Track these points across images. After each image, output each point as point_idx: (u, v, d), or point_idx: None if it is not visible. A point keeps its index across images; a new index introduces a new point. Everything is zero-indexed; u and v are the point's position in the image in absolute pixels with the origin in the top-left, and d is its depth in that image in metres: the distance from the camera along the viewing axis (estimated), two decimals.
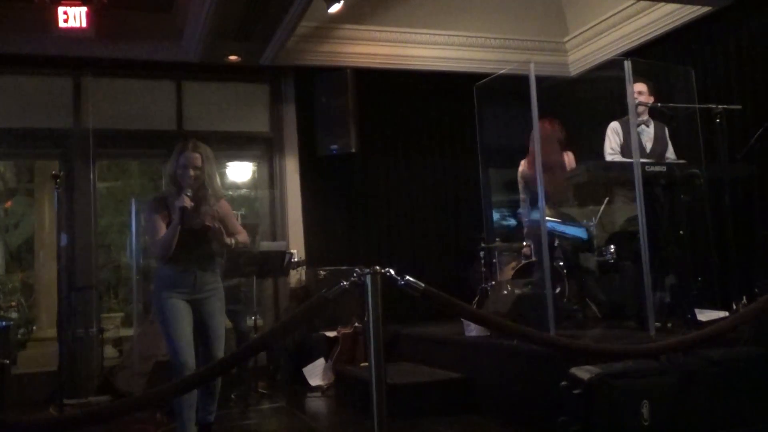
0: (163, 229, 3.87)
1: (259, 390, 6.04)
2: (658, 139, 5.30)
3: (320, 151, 7.50)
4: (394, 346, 6.28)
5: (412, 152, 8.00)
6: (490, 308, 5.26)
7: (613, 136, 5.29)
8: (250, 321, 6.27)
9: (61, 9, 6.31)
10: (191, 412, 3.84)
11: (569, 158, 5.60)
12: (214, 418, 4.12)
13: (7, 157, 8.25)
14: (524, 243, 6.08)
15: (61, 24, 6.33)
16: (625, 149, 5.16)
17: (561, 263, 5.25)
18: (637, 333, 4.67)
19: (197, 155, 3.91)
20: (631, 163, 4.70)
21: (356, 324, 6.31)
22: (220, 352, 3.94)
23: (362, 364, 5.99)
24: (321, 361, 6.42)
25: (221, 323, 4.01)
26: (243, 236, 4.08)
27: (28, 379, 6.34)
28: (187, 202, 3.82)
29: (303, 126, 7.62)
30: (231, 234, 3.98)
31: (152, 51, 7.03)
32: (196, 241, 3.88)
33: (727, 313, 4.76)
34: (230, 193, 9.03)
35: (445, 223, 7.98)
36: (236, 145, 7.75)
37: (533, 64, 4.74)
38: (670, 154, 5.33)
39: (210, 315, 3.94)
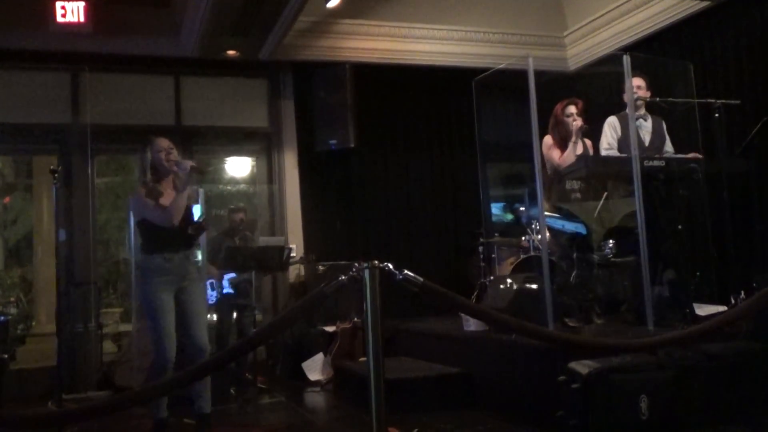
0: (156, 203, 4.07)
1: (259, 384, 6.05)
2: (656, 133, 5.30)
3: (319, 147, 7.50)
4: (393, 341, 6.28)
5: (411, 147, 8.00)
6: (488, 303, 5.26)
7: (609, 131, 5.27)
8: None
9: (58, 4, 6.30)
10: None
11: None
12: (212, 411, 4.16)
13: (6, 153, 8.24)
14: (523, 238, 6.08)
15: (59, 19, 6.32)
16: (623, 144, 5.16)
17: (560, 258, 5.25)
18: (636, 328, 4.68)
19: (164, 139, 4.21)
20: (629, 158, 4.70)
21: (355, 319, 6.32)
22: (205, 338, 4.15)
23: (361, 359, 6.00)
24: (320, 356, 6.43)
25: (204, 313, 4.24)
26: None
27: (27, 374, 6.35)
28: (191, 163, 4.10)
29: (301, 121, 7.61)
30: None
31: (150, 46, 7.02)
32: (180, 223, 4.09)
33: (725, 308, 4.76)
34: (229, 188, 9.02)
35: (443, 217, 7.98)
36: (235, 141, 7.76)
37: (532, 58, 4.73)
38: (669, 148, 5.32)
39: (192, 302, 4.13)
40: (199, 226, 4.20)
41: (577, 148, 5.26)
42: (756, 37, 6.16)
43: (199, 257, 4.28)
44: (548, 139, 5.36)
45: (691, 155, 5.12)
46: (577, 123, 5.29)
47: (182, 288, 4.11)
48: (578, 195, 5.32)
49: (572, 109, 5.38)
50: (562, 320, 4.65)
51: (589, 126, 5.32)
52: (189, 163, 4.10)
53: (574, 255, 5.17)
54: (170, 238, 4.07)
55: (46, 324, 7.44)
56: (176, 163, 4.10)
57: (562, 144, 5.36)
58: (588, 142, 5.44)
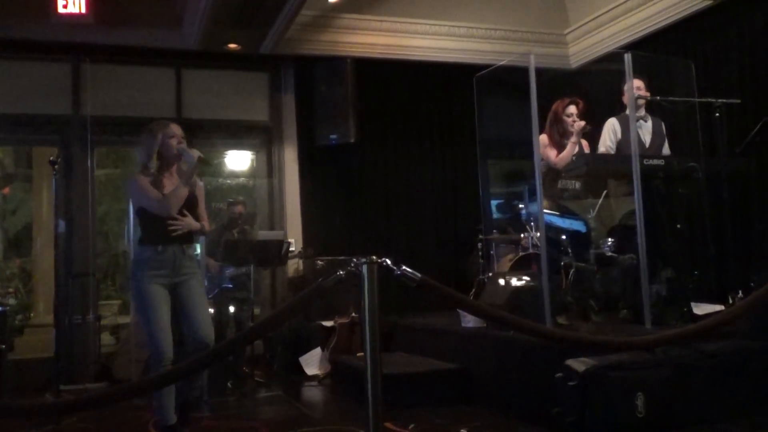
0: (156, 190, 3.87)
1: (256, 378, 6.06)
2: (656, 134, 5.29)
3: (319, 141, 7.49)
4: (391, 337, 6.30)
5: (412, 143, 8.00)
6: (486, 300, 5.26)
7: (609, 132, 5.26)
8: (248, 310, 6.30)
9: None
10: (170, 398, 3.78)
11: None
12: (209, 404, 4.13)
13: (6, 143, 8.25)
14: (522, 235, 6.08)
15: (60, 9, 6.30)
16: (622, 147, 5.15)
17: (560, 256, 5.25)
18: (633, 326, 4.68)
19: (178, 126, 4.01)
20: (629, 157, 4.69)
21: (353, 314, 6.32)
22: (210, 334, 3.87)
23: (358, 354, 6.00)
24: (317, 351, 6.44)
25: (204, 305, 3.97)
26: (207, 224, 4.10)
27: (25, 365, 6.35)
28: (199, 153, 3.88)
29: (302, 115, 7.60)
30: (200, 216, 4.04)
31: (151, 38, 7.00)
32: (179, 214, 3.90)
33: (723, 307, 4.77)
34: (228, 181, 9.01)
35: (443, 214, 7.98)
36: (235, 134, 7.75)
37: (533, 55, 4.73)
38: (666, 151, 5.32)
39: (189, 297, 3.89)
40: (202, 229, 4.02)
41: (575, 148, 5.26)
42: (757, 36, 6.15)
43: (198, 251, 4.08)
44: (544, 138, 5.34)
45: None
46: (579, 124, 5.28)
47: (178, 282, 3.87)
48: (571, 195, 5.31)
49: (573, 109, 5.37)
50: (555, 319, 4.64)
51: (592, 127, 5.31)
52: (197, 154, 3.90)
53: (574, 253, 5.17)
54: (167, 230, 3.84)
55: (45, 315, 7.44)
56: (184, 152, 3.91)
57: (559, 142, 5.35)
58: (584, 142, 5.43)
